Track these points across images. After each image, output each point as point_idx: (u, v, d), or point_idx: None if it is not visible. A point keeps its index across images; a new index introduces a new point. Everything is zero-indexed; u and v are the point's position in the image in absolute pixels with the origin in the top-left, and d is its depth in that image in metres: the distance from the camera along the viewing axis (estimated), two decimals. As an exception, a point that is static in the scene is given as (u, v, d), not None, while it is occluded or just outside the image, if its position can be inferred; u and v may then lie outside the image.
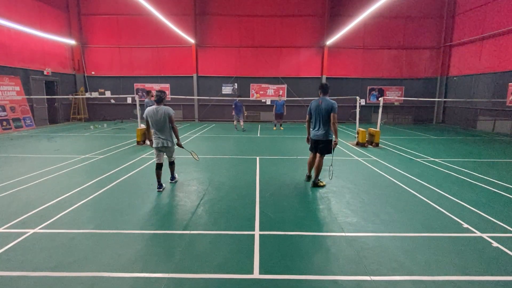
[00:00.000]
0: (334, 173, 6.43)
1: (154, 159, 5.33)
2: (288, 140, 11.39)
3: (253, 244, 3.39)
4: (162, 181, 5.28)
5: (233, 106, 13.67)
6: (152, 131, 5.20)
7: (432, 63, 18.15)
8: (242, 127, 13.93)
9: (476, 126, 15.33)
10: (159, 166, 5.19)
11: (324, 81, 17.95)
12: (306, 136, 5.77)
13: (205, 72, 18.36)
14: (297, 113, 18.26)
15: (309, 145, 5.73)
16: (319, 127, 5.30)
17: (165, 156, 5.36)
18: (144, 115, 5.04)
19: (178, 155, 6.03)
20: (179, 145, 5.32)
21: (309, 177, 5.86)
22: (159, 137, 5.05)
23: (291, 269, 2.93)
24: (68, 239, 3.51)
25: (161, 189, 5.22)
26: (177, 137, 5.24)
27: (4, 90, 12.98)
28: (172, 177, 5.70)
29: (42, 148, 9.24)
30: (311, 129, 5.54)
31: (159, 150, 5.16)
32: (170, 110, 5.05)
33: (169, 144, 5.11)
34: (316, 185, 5.51)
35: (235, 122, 14.40)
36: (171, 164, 5.55)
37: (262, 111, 18.36)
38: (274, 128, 14.99)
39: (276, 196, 5.04)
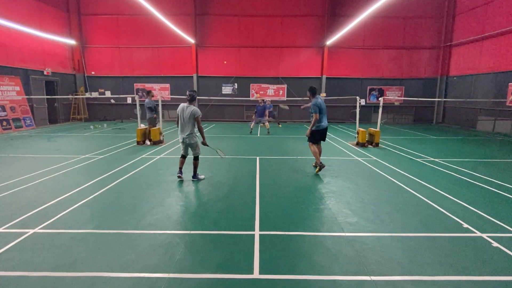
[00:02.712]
0: (334, 173, 6.48)
1: (181, 150, 5.86)
2: (288, 140, 11.38)
3: (253, 244, 3.39)
4: (183, 171, 5.88)
5: (255, 111, 12.79)
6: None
7: (432, 63, 18.14)
8: (252, 128, 13.02)
9: (476, 126, 15.31)
10: (182, 156, 5.87)
11: (324, 81, 18.10)
12: (311, 129, 6.37)
13: (205, 72, 18.36)
14: (297, 113, 18.22)
15: (315, 137, 6.47)
16: (326, 119, 6.47)
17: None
18: (177, 111, 5.63)
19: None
20: (204, 143, 5.70)
21: (321, 165, 6.40)
22: (181, 133, 5.55)
23: (291, 269, 2.94)
24: (68, 239, 3.51)
25: (180, 176, 5.79)
26: (202, 136, 5.63)
27: (4, 90, 12.98)
28: (194, 175, 5.89)
29: (42, 148, 9.24)
30: (320, 122, 6.35)
31: (183, 143, 5.65)
32: (197, 111, 5.45)
33: (191, 141, 5.55)
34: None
35: (253, 125, 13.10)
36: (194, 159, 5.82)
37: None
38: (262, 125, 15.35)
39: (276, 196, 5.05)
